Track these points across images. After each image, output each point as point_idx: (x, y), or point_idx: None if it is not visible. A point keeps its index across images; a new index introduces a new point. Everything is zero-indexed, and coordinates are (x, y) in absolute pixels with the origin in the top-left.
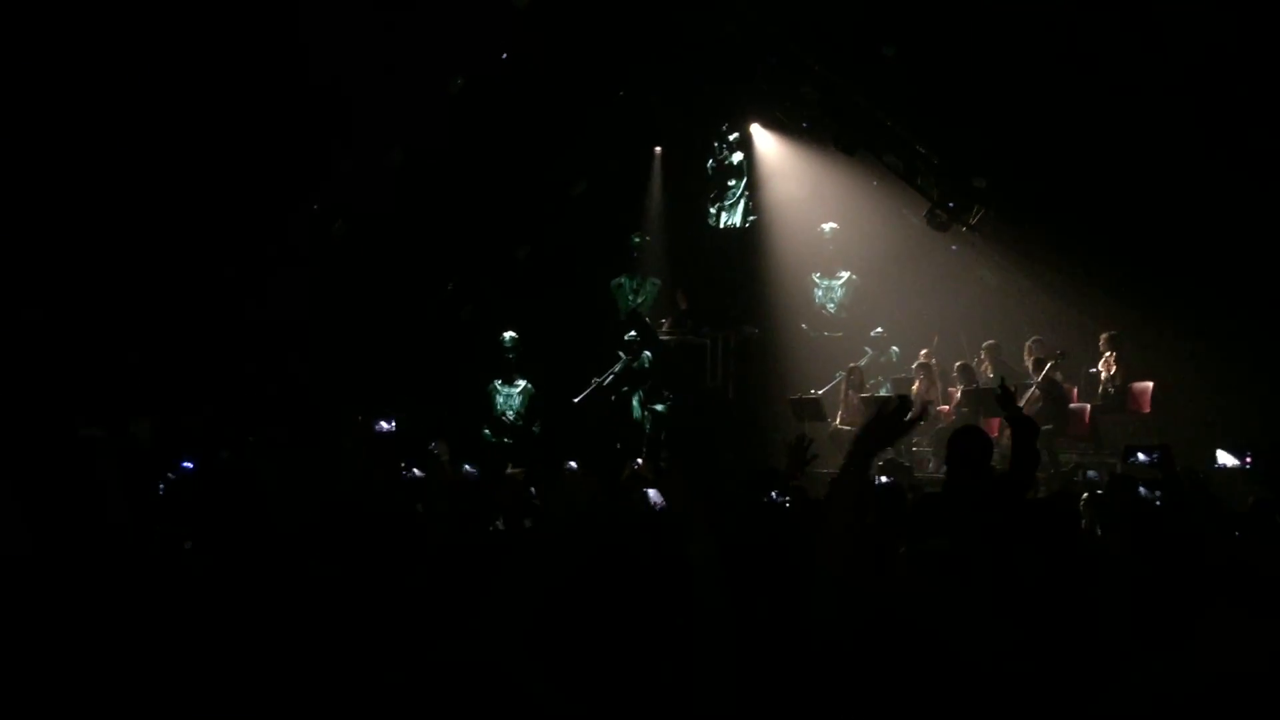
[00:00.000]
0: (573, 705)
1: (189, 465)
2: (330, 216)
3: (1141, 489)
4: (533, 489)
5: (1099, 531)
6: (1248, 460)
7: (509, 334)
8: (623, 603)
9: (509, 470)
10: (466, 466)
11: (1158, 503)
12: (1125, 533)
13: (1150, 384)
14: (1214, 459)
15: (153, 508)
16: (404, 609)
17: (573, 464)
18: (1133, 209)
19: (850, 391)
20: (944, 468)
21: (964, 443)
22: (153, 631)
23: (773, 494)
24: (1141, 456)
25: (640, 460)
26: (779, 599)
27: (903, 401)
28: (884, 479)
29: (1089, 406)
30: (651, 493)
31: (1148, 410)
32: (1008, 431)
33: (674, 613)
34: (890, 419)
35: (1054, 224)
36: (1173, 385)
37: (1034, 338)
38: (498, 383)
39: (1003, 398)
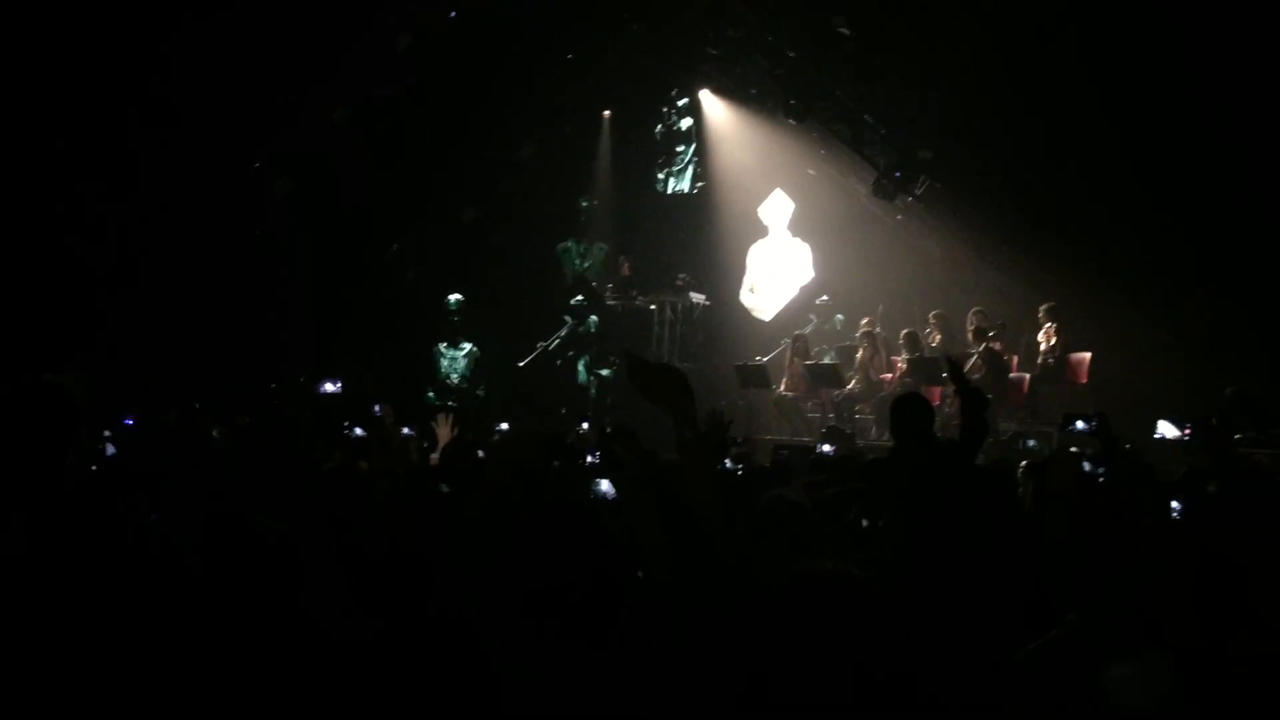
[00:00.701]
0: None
1: (129, 423)
2: (274, 174)
3: (1085, 465)
4: (480, 452)
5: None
6: (1187, 431)
7: (454, 296)
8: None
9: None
10: (406, 430)
11: (1101, 479)
12: (1064, 505)
13: (1088, 355)
14: (1154, 429)
15: (103, 467)
16: (356, 566)
17: (504, 425)
18: (1074, 182)
19: (795, 359)
20: (885, 434)
21: (905, 409)
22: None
23: (725, 462)
24: (1080, 424)
25: (585, 425)
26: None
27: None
28: (826, 448)
29: (1028, 376)
30: (603, 484)
31: (1085, 381)
32: (950, 400)
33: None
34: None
35: (997, 196)
36: (1110, 357)
37: (976, 308)
38: (442, 346)
39: (952, 371)
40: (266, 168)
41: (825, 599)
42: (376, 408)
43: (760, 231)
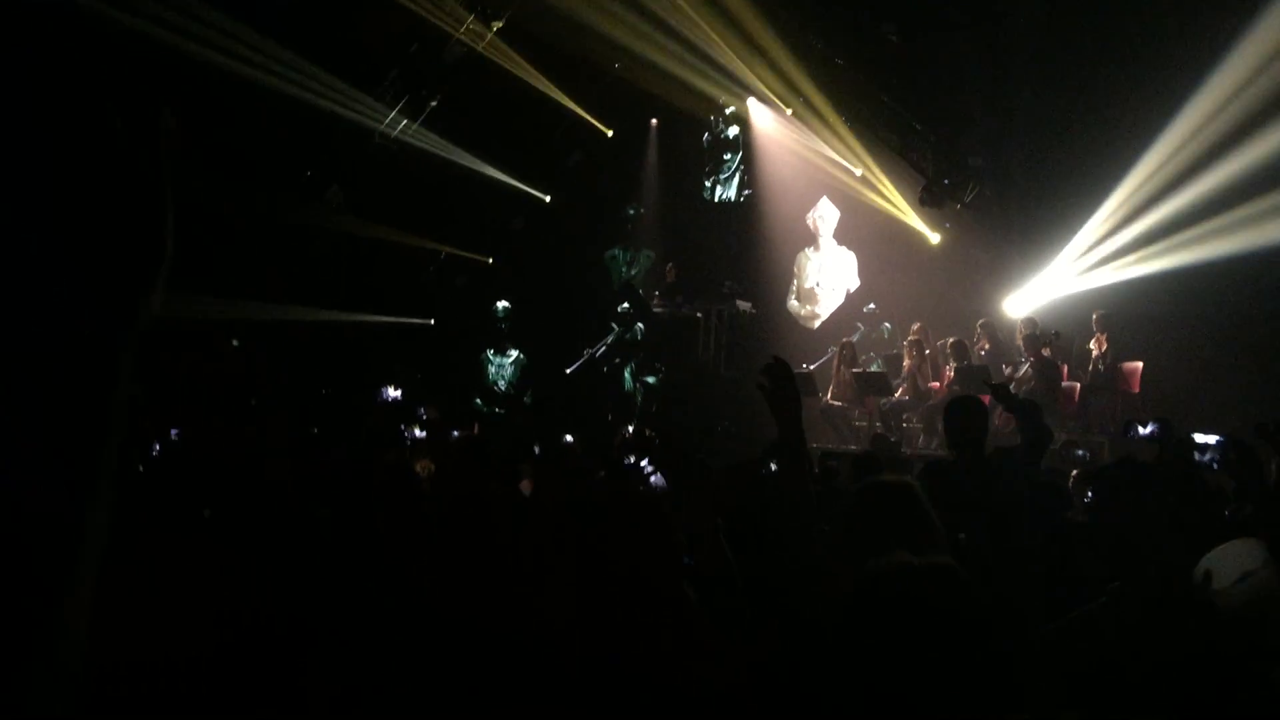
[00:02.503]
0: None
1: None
2: (324, 184)
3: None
4: (536, 448)
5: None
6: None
7: (502, 304)
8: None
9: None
10: (455, 433)
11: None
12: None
13: (1140, 364)
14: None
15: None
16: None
17: (569, 438)
18: (1124, 191)
19: (842, 367)
20: (934, 443)
21: (959, 413)
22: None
23: (772, 465)
24: (1140, 430)
25: (630, 429)
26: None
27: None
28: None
29: (1079, 385)
30: (655, 476)
31: (1137, 390)
32: (998, 410)
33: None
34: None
35: (1047, 203)
36: (1162, 367)
37: (1027, 315)
38: (490, 352)
39: (996, 392)
40: (316, 178)
41: (897, 593)
42: (422, 410)
43: (807, 239)
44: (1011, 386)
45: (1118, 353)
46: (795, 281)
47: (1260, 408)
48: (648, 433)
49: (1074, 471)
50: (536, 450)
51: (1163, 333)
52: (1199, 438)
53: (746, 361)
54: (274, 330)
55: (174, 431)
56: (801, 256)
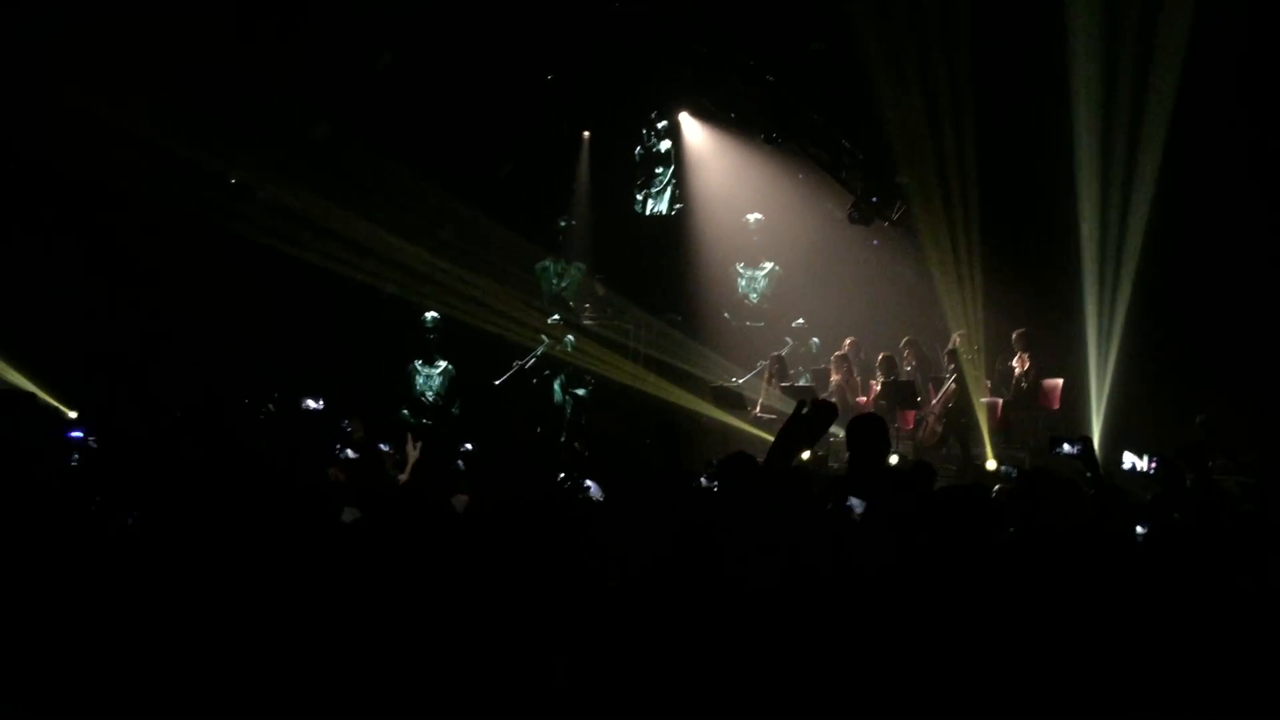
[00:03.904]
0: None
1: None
2: (251, 189)
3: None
4: (461, 461)
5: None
6: (1153, 465)
7: (431, 314)
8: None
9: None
10: (383, 446)
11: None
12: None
13: (1060, 381)
14: (1120, 460)
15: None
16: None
17: (468, 445)
18: (1047, 210)
19: (772, 381)
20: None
21: (862, 429)
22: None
23: (702, 480)
24: (1066, 447)
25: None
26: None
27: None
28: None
29: (1001, 401)
30: (591, 487)
31: (1057, 407)
32: (925, 426)
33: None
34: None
35: (973, 222)
36: (1080, 383)
37: (959, 331)
38: (418, 363)
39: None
40: (240, 183)
41: None
42: (345, 422)
43: (738, 253)
44: (935, 400)
45: (1039, 370)
46: (727, 295)
47: (1175, 424)
48: (576, 445)
49: (996, 486)
50: (460, 464)
51: (1080, 349)
52: (1128, 457)
53: (674, 375)
54: (198, 335)
55: (91, 439)
56: (732, 270)
